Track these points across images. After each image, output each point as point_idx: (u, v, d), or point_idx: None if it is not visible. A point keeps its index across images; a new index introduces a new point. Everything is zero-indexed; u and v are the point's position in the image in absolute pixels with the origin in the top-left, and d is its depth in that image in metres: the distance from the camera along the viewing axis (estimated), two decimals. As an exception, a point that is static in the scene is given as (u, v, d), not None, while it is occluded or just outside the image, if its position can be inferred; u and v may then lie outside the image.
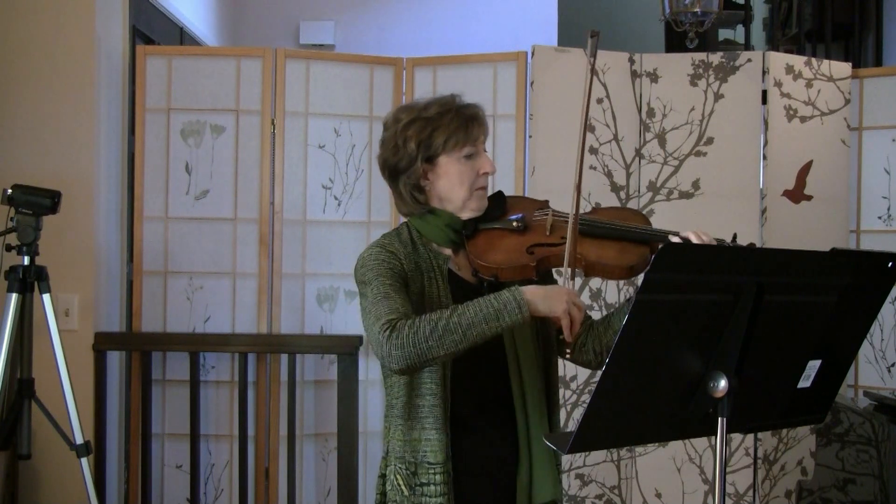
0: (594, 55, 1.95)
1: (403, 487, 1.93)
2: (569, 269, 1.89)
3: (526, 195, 3.61)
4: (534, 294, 1.79)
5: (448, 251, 2.02)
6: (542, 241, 1.98)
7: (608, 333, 2.04)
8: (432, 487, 1.90)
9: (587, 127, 1.98)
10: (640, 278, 1.94)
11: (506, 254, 1.96)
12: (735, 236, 1.96)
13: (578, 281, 3.62)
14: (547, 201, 2.09)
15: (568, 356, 1.94)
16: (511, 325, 1.78)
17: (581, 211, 1.99)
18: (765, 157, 3.64)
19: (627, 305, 2.04)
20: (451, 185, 1.98)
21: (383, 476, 2.01)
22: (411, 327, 1.77)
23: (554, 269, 2.04)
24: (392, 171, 2.01)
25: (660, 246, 1.91)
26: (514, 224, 2.00)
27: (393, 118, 2.02)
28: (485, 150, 2.03)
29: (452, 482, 1.92)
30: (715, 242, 1.89)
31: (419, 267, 1.96)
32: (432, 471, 1.91)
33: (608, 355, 2.00)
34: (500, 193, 2.08)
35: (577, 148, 1.95)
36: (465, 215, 2.00)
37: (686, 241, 1.90)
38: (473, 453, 1.96)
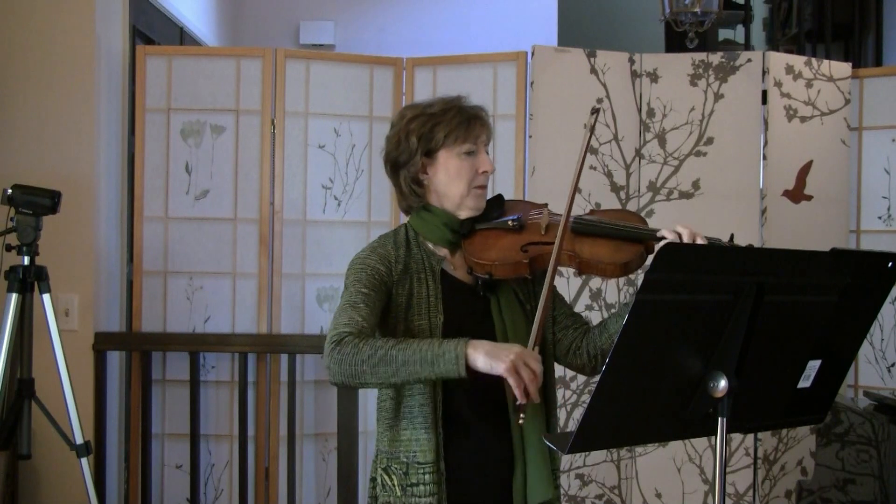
0: (593, 128, 1.96)
1: (396, 487, 1.93)
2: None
3: (526, 195, 3.62)
4: (477, 348, 1.73)
5: (444, 251, 2.03)
6: (536, 239, 1.99)
7: (602, 337, 2.03)
8: (422, 487, 1.90)
9: (577, 186, 1.98)
10: (640, 278, 1.95)
11: (500, 251, 1.97)
12: (732, 237, 1.95)
13: (578, 281, 3.62)
14: (546, 204, 2.10)
15: (521, 421, 1.83)
16: (444, 375, 1.74)
17: (578, 213, 2.00)
18: (765, 157, 3.64)
19: (625, 309, 2.04)
20: (449, 180, 1.99)
21: (373, 479, 2.01)
22: (354, 346, 1.77)
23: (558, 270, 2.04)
24: (393, 164, 2.03)
25: (655, 244, 1.93)
26: (510, 223, 2.01)
27: (399, 115, 2.06)
28: (486, 153, 2.04)
29: (445, 482, 1.92)
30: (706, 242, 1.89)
31: (409, 268, 1.97)
32: (422, 471, 1.91)
33: (603, 359, 2.01)
34: (499, 196, 2.10)
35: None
36: (463, 214, 2.02)
37: (678, 235, 1.90)
38: (469, 454, 1.96)
